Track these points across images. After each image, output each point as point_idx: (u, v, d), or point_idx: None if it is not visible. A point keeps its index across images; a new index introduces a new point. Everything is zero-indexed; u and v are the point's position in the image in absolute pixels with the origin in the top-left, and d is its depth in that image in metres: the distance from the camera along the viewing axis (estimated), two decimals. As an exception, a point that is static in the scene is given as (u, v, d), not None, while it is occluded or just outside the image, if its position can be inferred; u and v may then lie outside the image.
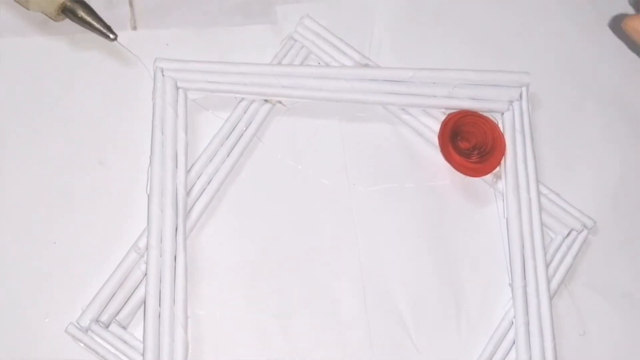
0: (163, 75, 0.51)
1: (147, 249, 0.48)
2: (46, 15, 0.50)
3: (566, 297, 0.52)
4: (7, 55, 0.52)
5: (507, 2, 0.58)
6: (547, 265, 0.51)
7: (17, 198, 0.49)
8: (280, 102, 0.53)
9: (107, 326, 0.47)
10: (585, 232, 0.53)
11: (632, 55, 0.60)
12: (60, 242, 0.49)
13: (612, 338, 0.52)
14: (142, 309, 0.47)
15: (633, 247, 0.54)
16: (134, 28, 0.54)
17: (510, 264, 0.51)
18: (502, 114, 0.54)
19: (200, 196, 0.50)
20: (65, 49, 0.53)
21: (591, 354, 0.51)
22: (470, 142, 0.53)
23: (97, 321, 0.47)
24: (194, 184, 0.50)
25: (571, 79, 0.58)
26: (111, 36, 0.49)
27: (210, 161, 0.51)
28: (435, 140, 0.53)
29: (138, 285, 0.48)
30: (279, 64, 0.54)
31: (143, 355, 0.46)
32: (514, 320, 0.50)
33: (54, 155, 0.50)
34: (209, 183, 0.50)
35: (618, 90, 0.58)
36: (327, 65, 0.54)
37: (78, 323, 0.46)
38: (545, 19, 0.60)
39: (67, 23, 0.51)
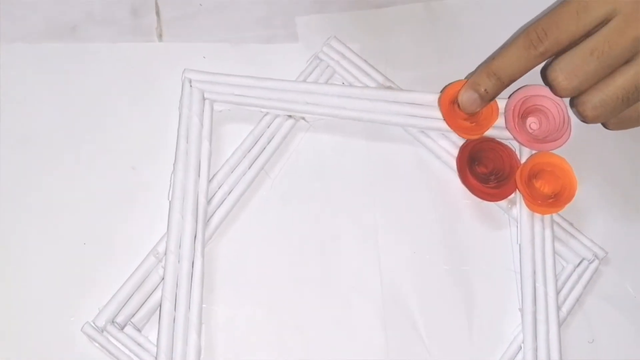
0: (191, 86, 0.52)
1: (165, 254, 0.49)
2: None
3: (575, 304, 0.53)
4: (40, 61, 0.54)
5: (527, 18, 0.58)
6: (558, 293, 0.52)
7: (54, 199, 0.51)
8: (303, 118, 0.54)
9: (122, 327, 0.48)
10: (596, 262, 0.53)
11: None
12: (90, 243, 0.50)
13: (622, 346, 0.52)
14: (157, 312, 0.48)
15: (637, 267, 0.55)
16: (160, 37, 0.55)
17: (521, 289, 0.52)
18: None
19: (220, 205, 0.51)
20: (98, 56, 0.54)
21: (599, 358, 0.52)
22: (488, 168, 0.54)
23: (113, 322, 0.47)
24: (215, 193, 0.51)
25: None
26: None
27: (232, 172, 0.52)
28: (454, 163, 0.54)
29: (155, 289, 0.49)
30: (304, 81, 0.55)
31: (156, 358, 0.46)
32: (522, 344, 0.50)
33: (89, 159, 0.52)
34: (229, 193, 0.51)
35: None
36: (351, 85, 0.55)
37: (94, 323, 0.47)
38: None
39: (100, 31, 0.53)
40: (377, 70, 0.56)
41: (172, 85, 0.53)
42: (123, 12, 0.55)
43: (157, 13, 0.56)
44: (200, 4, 0.56)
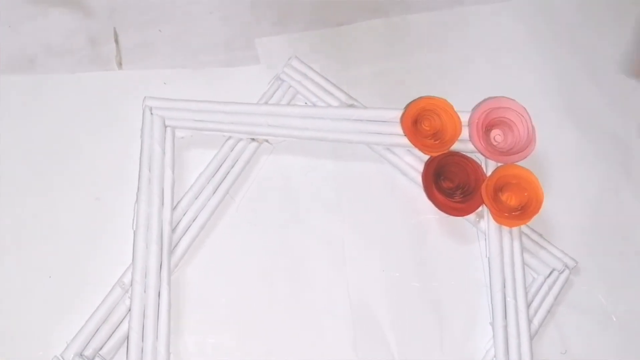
0: (152, 114, 0.52)
1: (131, 284, 0.48)
2: None
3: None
4: (0, 94, 0.53)
5: (484, 28, 0.59)
6: (529, 305, 0.51)
7: (18, 233, 0.50)
8: (266, 140, 0.54)
9: (90, 360, 0.47)
10: (567, 272, 0.53)
11: (609, 80, 0.61)
12: (56, 276, 0.49)
13: (595, 355, 0.52)
14: (125, 343, 0.48)
15: (607, 276, 0.55)
16: (120, 65, 0.55)
17: (491, 303, 0.51)
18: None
19: (185, 233, 0.51)
20: (58, 87, 0.54)
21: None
22: (454, 182, 0.54)
23: (81, 355, 0.47)
24: (180, 220, 0.51)
25: (548, 108, 0.58)
26: None
27: (196, 198, 0.51)
28: (419, 179, 0.54)
29: (122, 320, 0.48)
30: (266, 103, 0.55)
31: (125, 390, 0.46)
32: (494, 359, 0.50)
33: (52, 192, 0.52)
34: (194, 220, 0.51)
35: (597, 117, 0.59)
36: (314, 105, 0.55)
37: (62, 357, 0.47)
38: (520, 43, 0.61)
39: (59, 62, 0.53)
40: (339, 89, 0.56)
41: (133, 113, 0.53)
42: (81, 42, 0.55)
43: (116, 41, 0.55)
44: (160, 30, 0.56)
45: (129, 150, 0.52)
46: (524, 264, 0.52)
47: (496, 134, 0.55)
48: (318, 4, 0.58)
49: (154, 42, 0.56)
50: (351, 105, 0.55)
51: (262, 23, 0.58)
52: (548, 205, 0.53)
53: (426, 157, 0.54)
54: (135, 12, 0.56)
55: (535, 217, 0.52)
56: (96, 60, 0.55)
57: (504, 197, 0.53)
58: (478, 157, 0.54)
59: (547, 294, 0.52)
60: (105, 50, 0.55)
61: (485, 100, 0.54)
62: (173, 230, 0.50)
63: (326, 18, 0.58)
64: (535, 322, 0.52)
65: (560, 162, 0.57)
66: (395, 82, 0.57)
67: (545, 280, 0.53)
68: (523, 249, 0.53)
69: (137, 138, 0.52)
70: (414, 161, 0.55)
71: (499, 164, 0.54)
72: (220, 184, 0.52)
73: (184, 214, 0.51)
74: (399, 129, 0.54)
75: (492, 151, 0.53)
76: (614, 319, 0.53)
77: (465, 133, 0.54)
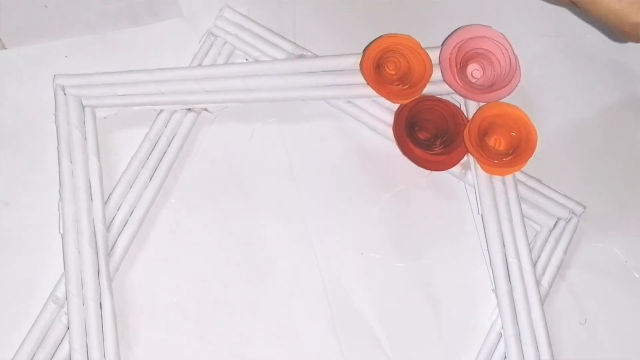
0: (65, 94, 0.47)
1: (66, 297, 0.44)
2: None
3: (559, 282, 0.48)
4: None
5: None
6: (535, 264, 0.47)
7: None
8: (205, 109, 0.49)
9: (27, 393, 0.43)
10: (574, 219, 0.48)
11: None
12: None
13: (615, 322, 0.48)
14: (68, 368, 0.43)
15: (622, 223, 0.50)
16: (4, 48, 0.49)
17: (491, 266, 0.47)
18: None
19: (123, 229, 0.46)
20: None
21: (595, 341, 0.47)
22: (431, 132, 0.49)
23: (16, 388, 0.43)
24: (114, 216, 0.46)
25: (539, 42, 0.54)
26: None
27: (131, 187, 0.47)
28: (390, 133, 0.49)
29: (61, 341, 0.44)
30: (200, 65, 0.50)
31: (71, 423, 0.42)
32: (502, 331, 0.46)
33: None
34: (131, 213, 0.47)
35: (591, 42, 0.54)
36: (256, 60, 0.50)
37: (-6, 396, 0.42)
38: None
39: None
40: (284, 38, 0.50)
41: (36, 96, 0.48)
42: None
43: None
44: (46, 6, 0.50)
45: (38, 140, 0.47)
46: (523, 216, 0.48)
47: (474, 69, 0.50)
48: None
49: (40, 21, 0.49)
50: (301, 56, 0.50)
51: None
52: (543, 145, 0.48)
53: (395, 107, 0.49)
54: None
55: (530, 161, 0.47)
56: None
57: (490, 141, 0.48)
58: (456, 99, 0.50)
59: (554, 248, 0.48)
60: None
61: (456, 31, 0.49)
62: (107, 228, 0.45)
63: None
64: (545, 282, 0.47)
65: (552, 95, 0.52)
66: (349, 25, 0.52)
67: (550, 233, 0.48)
68: (520, 199, 0.48)
69: (46, 124, 0.47)
70: (382, 112, 0.50)
71: (481, 104, 0.49)
72: (157, 167, 0.47)
73: (118, 208, 0.46)
74: (360, 78, 0.49)
75: (471, 89, 0.49)
76: (637, 276, 0.49)
77: (437, 73, 0.49)
